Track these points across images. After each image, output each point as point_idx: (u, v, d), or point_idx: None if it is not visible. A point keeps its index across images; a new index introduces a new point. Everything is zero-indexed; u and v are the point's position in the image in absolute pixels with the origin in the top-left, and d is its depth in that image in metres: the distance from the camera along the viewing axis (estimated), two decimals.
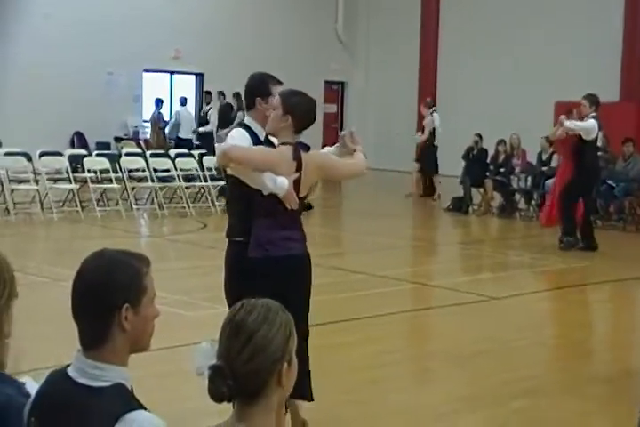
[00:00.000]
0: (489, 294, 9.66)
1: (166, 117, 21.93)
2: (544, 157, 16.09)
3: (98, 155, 16.48)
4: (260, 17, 24.26)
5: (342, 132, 5.18)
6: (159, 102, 21.60)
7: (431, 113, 19.69)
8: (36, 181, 14.51)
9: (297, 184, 4.65)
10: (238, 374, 2.09)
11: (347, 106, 27.63)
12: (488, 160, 17.07)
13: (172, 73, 23.96)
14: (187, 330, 7.43)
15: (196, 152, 17.21)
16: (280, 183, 4.58)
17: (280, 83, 5.00)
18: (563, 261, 11.93)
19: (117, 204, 14.97)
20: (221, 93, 21.00)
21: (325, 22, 26.29)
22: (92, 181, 14.95)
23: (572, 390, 6.33)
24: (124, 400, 2.22)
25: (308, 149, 4.81)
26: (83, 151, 17.23)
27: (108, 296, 2.25)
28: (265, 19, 24.37)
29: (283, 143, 4.71)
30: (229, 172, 4.88)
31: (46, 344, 6.60)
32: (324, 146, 6.01)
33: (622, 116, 17.98)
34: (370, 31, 26.83)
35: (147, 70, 23.00)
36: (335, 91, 27.48)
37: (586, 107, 12.14)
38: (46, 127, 19.90)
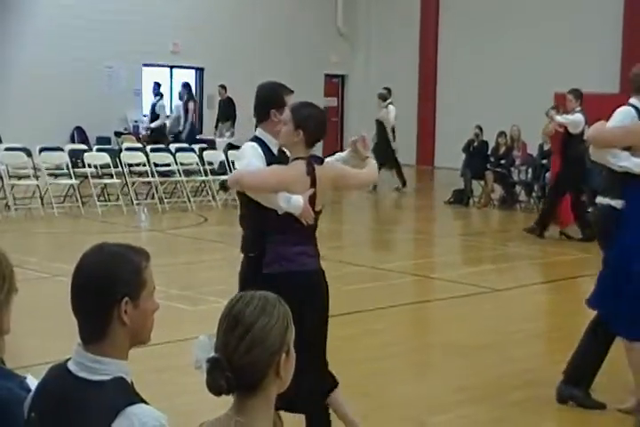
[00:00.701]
0: (490, 285, 9.68)
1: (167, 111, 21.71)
2: (545, 147, 16.07)
3: (98, 150, 16.45)
4: (260, 10, 24.20)
5: (353, 138, 5.04)
6: (157, 87, 20.10)
7: (386, 106, 18.65)
8: (37, 177, 14.48)
9: (312, 199, 4.54)
10: (236, 367, 2.08)
11: (347, 99, 27.61)
12: (489, 152, 17.06)
13: (171, 67, 23.92)
14: (189, 324, 7.45)
15: (196, 146, 17.18)
16: (295, 202, 4.47)
17: (291, 92, 4.85)
18: (563, 252, 11.94)
19: (118, 199, 14.95)
20: (223, 87, 20.91)
21: (325, 15, 26.24)
22: (93, 176, 14.92)
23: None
24: (125, 394, 2.23)
25: (321, 161, 4.73)
26: (83, 146, 17.18)
27: (108, 290, 2.25)
28: (265, 12, 24.31)
29: (296, 158, 4.60)
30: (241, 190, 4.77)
31: (46, 339, 6.62)
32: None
33: None
34: (370, 24, 26.78)
35: (146, 64, 22.96)
36: (335, 84, 27.43)
37: (572, 101, 12.33)
38: (46, 122, 19.85)
